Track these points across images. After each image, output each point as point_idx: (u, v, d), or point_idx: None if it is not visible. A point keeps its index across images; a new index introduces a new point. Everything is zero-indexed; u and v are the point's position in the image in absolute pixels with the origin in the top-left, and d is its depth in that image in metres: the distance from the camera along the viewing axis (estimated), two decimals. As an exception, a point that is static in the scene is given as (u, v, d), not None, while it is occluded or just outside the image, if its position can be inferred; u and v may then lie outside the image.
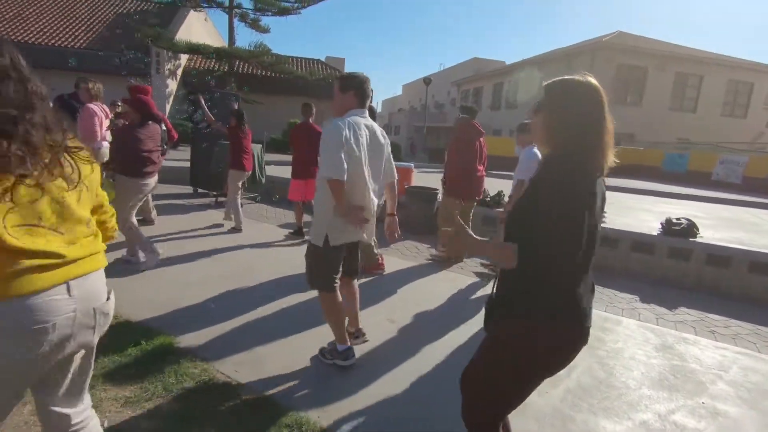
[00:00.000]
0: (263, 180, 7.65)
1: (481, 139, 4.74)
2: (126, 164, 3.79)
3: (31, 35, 16.93)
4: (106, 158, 4.42)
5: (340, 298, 2.49)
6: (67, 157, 1.16)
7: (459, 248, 1.23)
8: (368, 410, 2.16)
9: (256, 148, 7.02)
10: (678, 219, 5.14)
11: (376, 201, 2.49)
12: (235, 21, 19.39)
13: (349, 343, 2.54)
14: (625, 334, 3.30)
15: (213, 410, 2.04)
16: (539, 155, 3.71)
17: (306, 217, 5.78)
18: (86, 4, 20.38)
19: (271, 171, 7.58)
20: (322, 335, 2.87)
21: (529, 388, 1.38)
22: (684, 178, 16.16)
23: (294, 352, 2.65)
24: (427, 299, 3.73)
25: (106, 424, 1.85)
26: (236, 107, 6.64)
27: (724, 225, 6.65)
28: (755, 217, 8.28)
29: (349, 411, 2.13)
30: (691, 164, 16.77)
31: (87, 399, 1.37)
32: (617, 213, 6.69)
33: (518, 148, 4.22)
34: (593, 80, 1.31)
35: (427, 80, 23.44)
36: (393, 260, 4.77)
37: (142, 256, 3.87)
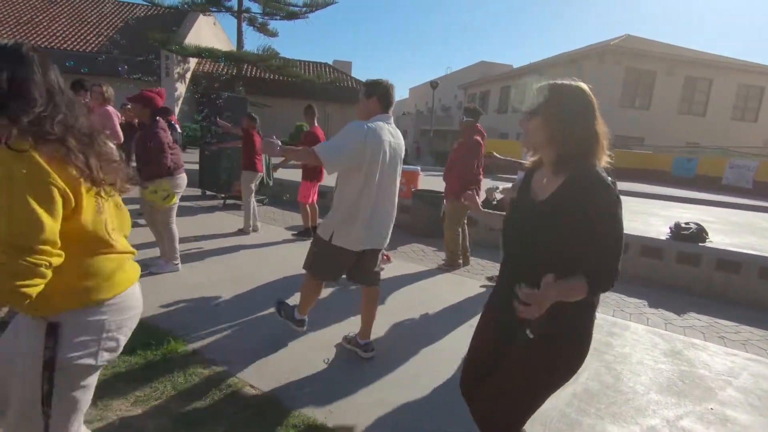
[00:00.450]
0: (271, 183, 7.70)
1: (482, 142, 4.76)
2: (159, 165, 3.67)
3: (44, 39, 17.22)
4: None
5: (319, 288, 2.68)
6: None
7: (543, 306, 1.15)
8: (375, 412, 2.16)
9: None
10: (687, 224, 5.09)
11: (393, 209, 2.54)
12: (244, 25, 19.56)
13: (306, 316, 2.77)
14: (633, 339, 3.27)
15: (220, 410, 2.06)
16: None
17: (319, 220, 5.82)
18: (96, 9, 20.70)
19: (280, 173, 7.62)
20: (325, 339, 2.89)
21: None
22: (693, 183, 16.01)
23: (300, 355, 2.67)
24: (433, 302, 3.73)
25: (117, 423, 1.87)
26: (248, 112, 6.72)
27: (735, 230, 6.58)
28: (766, 221, 8.18)
29: (356, 413, 2.14)
30: (700, 168, 16.61)
31: None
32: (625, 217, 6.61)
33: (524, 152, 4.23)
34: (583, 84, 1.34)
35: (434, 84, 23.47)
36: (399, 263, 4.78)
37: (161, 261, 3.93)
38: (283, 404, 2.14)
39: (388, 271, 4.32)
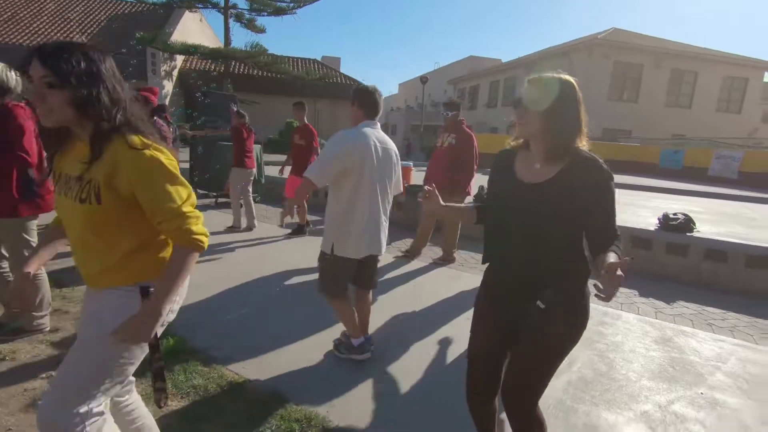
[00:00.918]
0: (263, 180, 7.69)
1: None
2: None
3: (25, 37, 16.88)
4: None
5: (347, 301, 2.55)
6: None
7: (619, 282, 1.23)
8: (376, 406, 2.20)
9: (256, 149, 7.08)
10: (675, 214, 5.19)
11: (385, 215, 2.54)
12: (231, 21, 19.37)
13: (363, 337, 2.59)
14: (625, 328, 3.35)
15: (223, 407, 2.08)
16: None
17: (309, 217, 5.83)
18: (80, 6, 20.33)
19: (271, 171, 7.60)
20: (325, 335, 2.92)
21: None
22: (680, 174, 16.26)
23: (299, 351, 2.69)
24: (429, 297, 3.78)
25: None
26: (235, 109, 6.70)
27: (721, 220, 6.72)
28: (752, 211, 8.36)
29: (358, 406, 2.17)
30: (687, 160, 16.88)
31: None
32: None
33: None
34: (572, 78, 1.44)
35: (423, 79, 23.50)
36: (395, 259, 4.81)
37: None
38: (285, 399, 2.16)
39: (383, 268, 4.35)
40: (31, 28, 17.54)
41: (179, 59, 20.69)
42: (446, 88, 37.70)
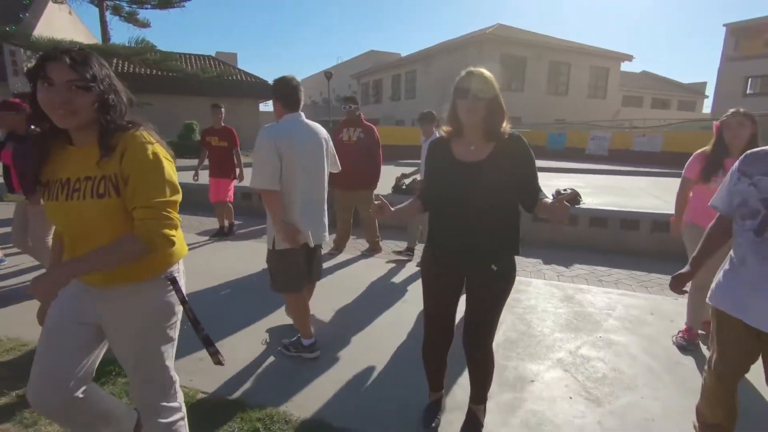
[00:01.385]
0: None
1: None
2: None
3: None
4: None
5: (303, 298, 2.60)
6: None
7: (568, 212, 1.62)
8: (333, 396, 2.30)
9: None
10: (565, 190, 5.97)
11: (323, 201, 2.61)
12: (108, 15, 17.46)
13: (313, 338, 2.65)
14: (536, 293, 3.84)
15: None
16: None
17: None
18: None
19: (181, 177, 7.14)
20: (262, 332, 2.94)
21: None
22: (563, 155, 18.38)
23: (244, 356, 2.68)
24: (364, 286, 3.94)
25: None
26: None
27: (599, 192, 7.83)
28: (622, 183, 9.84)
29: (315, 399, 2.25)
30: (569, 141, 19.13)
31: None
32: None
33: (423, 139, 4.55)
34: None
35: (328, 74, 23.41)
36: (325, 254, 4.89)
37: None
38: (243, 403, 2.17)
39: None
40: None
41: (48, 58, 18.14)
42: (350, 82, 37.94)
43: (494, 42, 23.44)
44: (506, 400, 2.27)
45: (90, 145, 1.28)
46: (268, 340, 2.85)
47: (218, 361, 1.54)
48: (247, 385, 2.35)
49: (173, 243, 1.29)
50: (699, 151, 2.84)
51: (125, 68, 18.95)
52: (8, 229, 4.10)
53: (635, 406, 2.25)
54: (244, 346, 2.78)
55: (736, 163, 1.66)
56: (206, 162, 5.61)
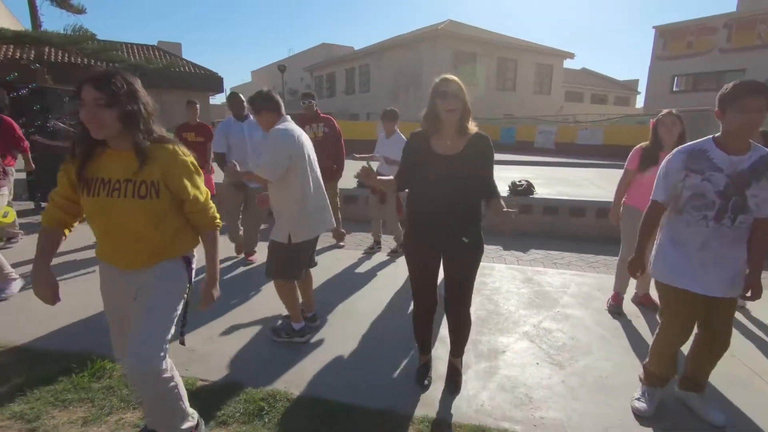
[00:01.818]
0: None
1: None
2: None
3: None
4: None
5: (296, 287, 2.78)
6: None
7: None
8: (328, 373, 2.48)
9: None
10: (519, 181, 6.41)
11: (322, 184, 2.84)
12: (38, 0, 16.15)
13: (303, 322, 2.82)
14: (500, 276, 4.18)
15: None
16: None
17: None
18: None
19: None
20: (254, 324, 3.05)
21: None
22: (515, 148, 19.31)
23: (235, 344, 2.78)
24: (335, 276, 4.12)
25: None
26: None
27: (550, 182, 8.42)
28: (568, 174, 10.57)
29: (312, 378, 2.41)
30: (519, 135, 20.12)
31: None
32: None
33: (383, 135, 4.69)
34: None
35: (282, 67, 23.03)
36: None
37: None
38: (242, 387, 2.28)
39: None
40: None
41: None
42: (303, 75, 37.42)
43: (447, 38, 24.04)
44: (483, 369, 2.55)
45: (127, 151, 1.50)
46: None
47: (182, 342, 1.79)
48: (242, 371, 2.47)
49: (220, 222, 1.75)
50: (638, 146, 3.25)
51: (60, 58, 17.67)
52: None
53: (591, 366, 2.60)
54: (232, 336, 2.88)
55: (680, 163, 1.97)
56: None
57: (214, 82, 21.94)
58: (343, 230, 5.21)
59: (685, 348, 2.21)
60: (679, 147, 2.04)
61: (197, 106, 5.26)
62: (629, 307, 3.45)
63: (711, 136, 1.97)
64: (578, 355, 2.73)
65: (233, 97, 4.28)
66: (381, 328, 3.06)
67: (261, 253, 4.32)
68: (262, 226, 4.67)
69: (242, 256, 4.56)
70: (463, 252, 2.15)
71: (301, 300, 2.93)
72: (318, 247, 5.10)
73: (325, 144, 4.78)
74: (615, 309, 3.38)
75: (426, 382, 2.36)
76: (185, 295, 1.73)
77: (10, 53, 17.05)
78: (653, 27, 26.33)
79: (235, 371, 2.47)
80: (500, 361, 2.65)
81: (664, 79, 25.89)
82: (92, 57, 17.64)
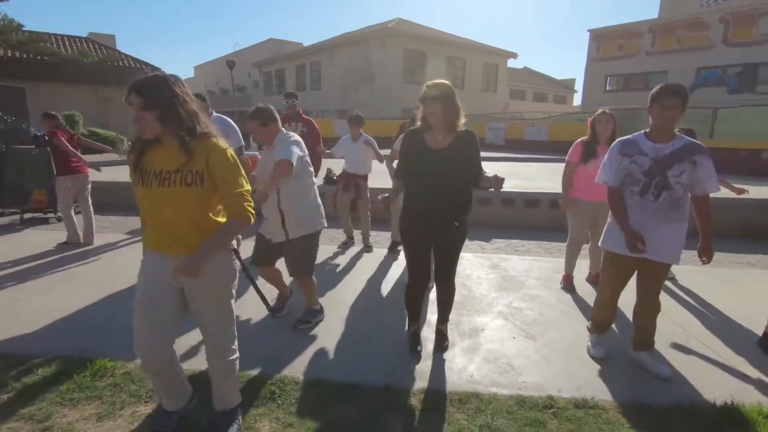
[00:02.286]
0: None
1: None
2: None
3: None
4: None
5: None
6: None
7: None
8: (325, 360, 2.65)
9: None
10: (485, 173, 6.80)
11: None
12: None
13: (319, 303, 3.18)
14: (469, 264, 4.51)
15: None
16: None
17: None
18: None
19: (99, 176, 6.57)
20: (243, 315, 3.15)
21: None
22: (465, 144, 20.02)
23: (241, 334, 2.86)
24: (323, 271, 4.26)
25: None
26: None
27: (505, 176, 8.93)
28: (521, 168, 11.24)
29: (311, 364, 2.57)
30: (469, 132, 20.85)
31: None
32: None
33: (348, 138, 4.80)
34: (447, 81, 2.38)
35: (230, 63, 22.32)
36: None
37: None
38: (252, 375, 2.40)
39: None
40: None
41: None
42: (251, 71, 36.45)
43: (397, 36, 24.41)
44: (467, 345, 2.83)
45: (174, 146, 1.66)
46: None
47: (271, 311, 2.04)
48: (250, 362, 2.55)
49: (254, 214, 1.78)
50: (578, 140, 3.67)
51: (-19, 50, 16.12)
52: None
53: (559, 338, 2.96)
54: (239, 329, 2.96)
55: (616, 150, 2.46)
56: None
57: (157, 78, 20.84)
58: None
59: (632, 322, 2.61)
60: (619, 138, 2.53)
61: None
62: (584, 286, 3.89)
63: (643, 131, 2.45)
64: (547, 329, 3.08)
65: None
66: (370, 315, 3.26)
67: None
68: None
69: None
70: (451, 234, 2.50)
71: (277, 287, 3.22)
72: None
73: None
74: (568, 288, 3.83)
75: (419, 348, 2.69)
76: (236, 283, 1.89)
77: None
78: (588, 30, 28.18)
79: (243, 362, 2.55)
80: (481, 337, 2.94)
81: (598, 79, 27.81)
82: (18, 49, 16.41)
